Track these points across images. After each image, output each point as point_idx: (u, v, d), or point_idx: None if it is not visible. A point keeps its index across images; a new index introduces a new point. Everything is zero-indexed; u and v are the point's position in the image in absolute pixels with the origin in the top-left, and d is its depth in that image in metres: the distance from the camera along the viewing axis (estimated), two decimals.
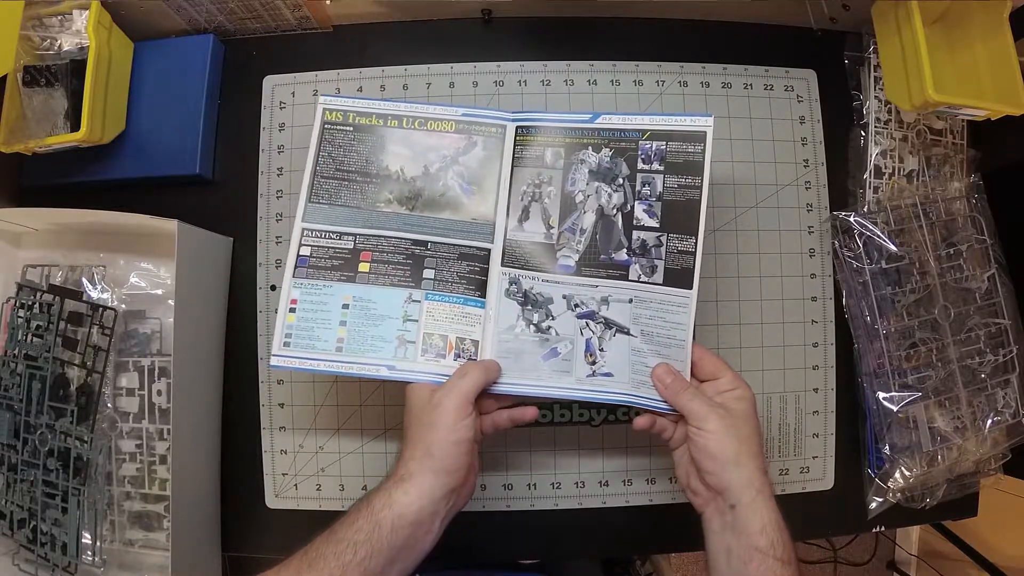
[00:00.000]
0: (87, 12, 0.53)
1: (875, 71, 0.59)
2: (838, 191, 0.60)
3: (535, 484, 0.58)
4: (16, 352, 0.55)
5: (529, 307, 0.48)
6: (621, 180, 0.48)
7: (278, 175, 0.60)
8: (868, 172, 0.59)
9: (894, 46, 0.54)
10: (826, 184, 0.60)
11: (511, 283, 0.48)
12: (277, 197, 0.59)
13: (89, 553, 0.54)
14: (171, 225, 0.51)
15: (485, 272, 0.48)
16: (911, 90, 0.52)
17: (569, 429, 0.58)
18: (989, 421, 0.57)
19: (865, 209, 0.58)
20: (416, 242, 0.48)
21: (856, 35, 0.61)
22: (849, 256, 0.58)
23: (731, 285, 0.59)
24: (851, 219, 0.57)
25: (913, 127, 0.60)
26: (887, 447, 0.56)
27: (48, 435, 0.53)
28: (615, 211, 0.48)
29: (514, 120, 0.50)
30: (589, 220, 0.48)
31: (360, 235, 0.48)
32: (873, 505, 0.58)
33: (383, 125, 0.50)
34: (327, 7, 0.59)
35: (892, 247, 0.56)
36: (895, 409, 0.55)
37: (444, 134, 0.50)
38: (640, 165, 0.48)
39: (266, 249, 0.59)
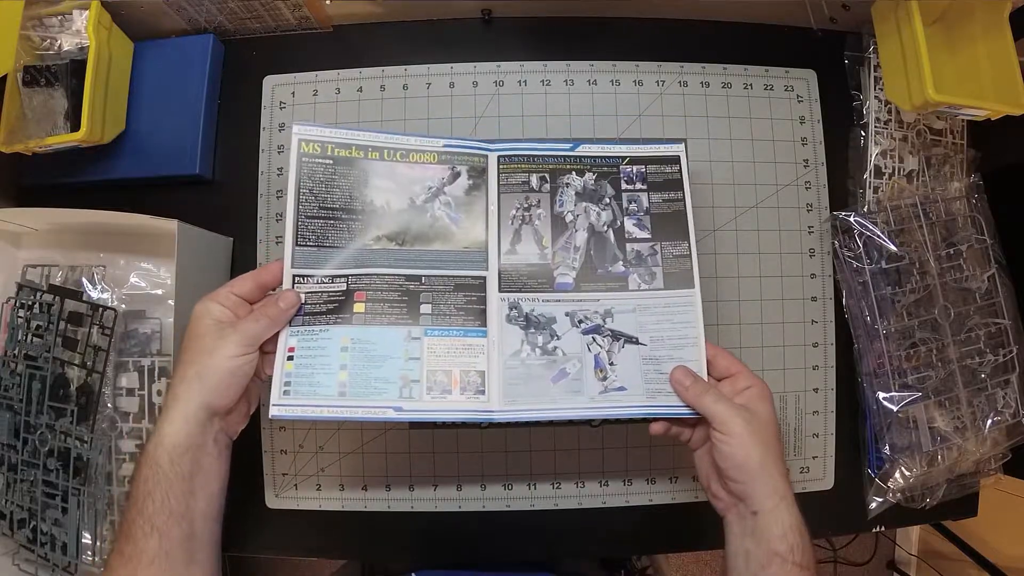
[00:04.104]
0: (87, 12, 0.53)
1: (875, 71, 0.59)
2: (838, 191, 0.60)
3: (535, 484, 0.58)
4: (16, 352, 0.55)
5: (532, 330, 0.47)
6: (608, 200, 0.50)
7: (278, 175, 0.60)
8: (868, 172, 0.59)
9: (894, 46, 0.54)
10: (826, 184, 0.60)
11: (511, 308, 0.47)
12: (277, 197, 0.59)
13: (89, 553, 0.54)
14: (171, 225, 0.51)
15: (483, 300, 0.47)
16: (911, 90, 0.52)
17: (569, 429, 0.58)
18: (989, 421, 0.57)
19: (865, 209, 0.58)
20: (410, 277, 0.47)
21: (856, 35, 0.61)
22: (849, 256, 0.58)
23: (731, 285, 0.59)
24: (851, 219, 0.57)
25: (913, 127, 0.60)
26: (887, 447, 0.56)
27: (48, 435, 0.53)
28: (606, 228, 0.49)
29: (496, 151, 0.50)
30: (582, 238, 0.49)
31: (352, 275, 0.46)
32: (873, 505, 0.58)
33: (364, 158, 0.48)
34: (327, 7, 0.59)
35: (892, 247, 0.56)
36: (895, 409, 0.55)
37: (427, 165, 0.49)
38: (624, 185, 0.50)
39: (266, 249, 0.59)
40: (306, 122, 0.49)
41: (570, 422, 0.57)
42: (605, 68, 0.61)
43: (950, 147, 0.61)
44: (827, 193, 0.60)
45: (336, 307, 0.46)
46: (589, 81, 0.60)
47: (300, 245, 0.46)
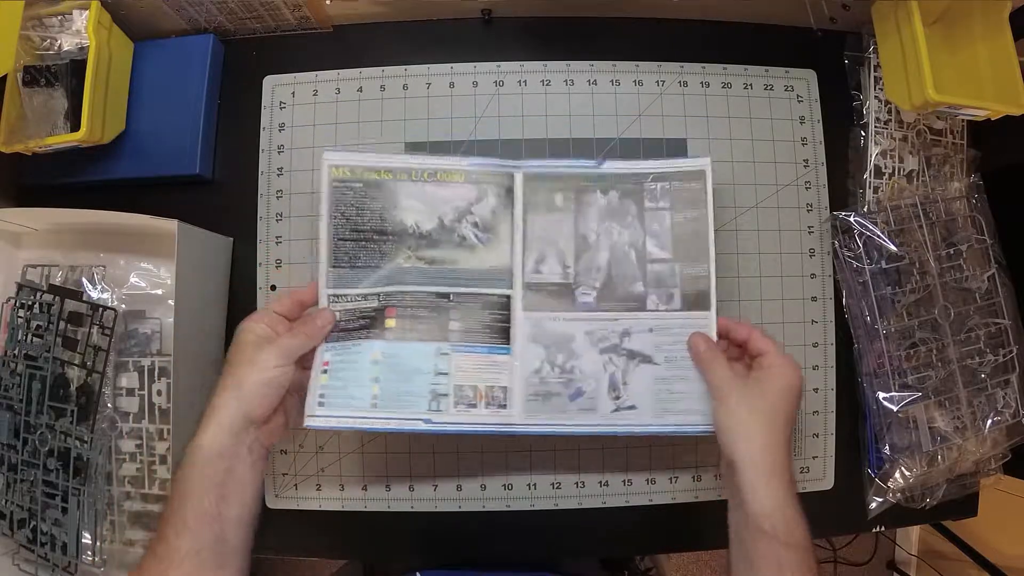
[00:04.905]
0: (87, 12, 0.53)
1: (875, 71, 0.59)
2: (838, 191, 0.60)
3: (535, 484, 0.58)
4: (16, 352, 0.55)
5: (553, 348, 0.49)
6: (630, 218, 0.50)
7: (278, 175, 0.60)
8: (868, 172, 0.59)
9: (894, 46, 0.54)
10: (826, 184, 0.60)
11: (534, 327, 0.49)
12: (277, 197, 0.59)
13: (89, 553, 0.54)
14: (171, 225, 0.51)
15: (507, 319, 0.49)
16: (911, 90, 0.52)
17: None
18: (989, 421, 0.57)
19: (865, 209, 0.58)
20: (439, 295, 0.49)
21: (856, 35, 0.61)
22: (849, 256, 0.58)
23: (731, 285, 0.59)
24: (851, 219, 0.57)
25: (913, 127, 0.60)
26: (887, 447, 0.56)
27: (48, 435, 0.53)
28: (627, 247, 0.50)
29: (523, 168, 0.51)
30: (603, 258, 0.50)
31: (384, 293, 0.49)
32: (873, 505, 0.58)
33: (393, 179, 0.50)
34: (327, 7, 0.59)
35: (892, 247, 0.56)
36: (895, 409, 0.55)
37: (455, 185, 0.50)
38: (647, 204, 0.50)
39: (266, 249, 0.59)
40: (335, 148, 0.51)
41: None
42: (605, 68, 0.60)
43: (950, 147, 0.61)
44: (827, 193, 0.60)
45: (368, 322, 0.48)
46: (589, 81, 0.60)
47: (334, 267, 0.48)
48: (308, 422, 0.46)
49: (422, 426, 0.47)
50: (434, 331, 0.48)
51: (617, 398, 0.49)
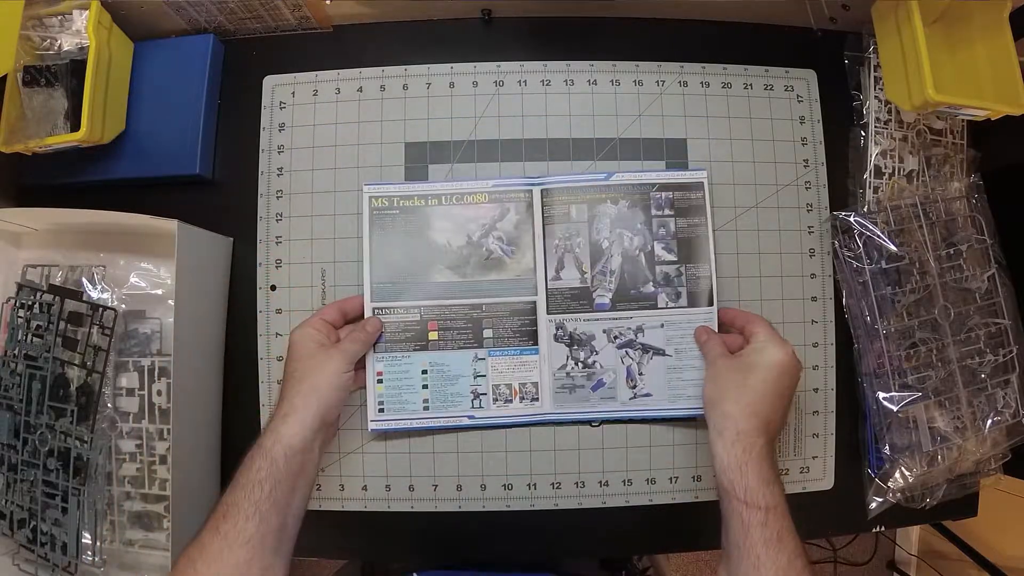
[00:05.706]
0: (87, 12, 0.53)
1: (875, 71, 0.59)
2: (838, 191, 0.60)
3: (535, 484, 0.58)
4: (16, 352, 0.55)
5: (576, 347, 0.55)
6: (639, 225, 0.56)
7: (278, 175, 0.60)
8: (868, 172, 0.59)
9: (894, 46, 0.54)
10: (826, 184, 0.60)
11: (557, 328, 0.55)
12: (277, 197, 0.59)
13: (89, 553, 0.54)
14: (171, 225, 0.51)
15: (534, 323, 0.55)
16: (911, 90, 0.52)
17: (569, 429, 0.58)
18: (989, 421, 0.57)
19: (865, 209, 0.58)
20: (472, 306, 0.55)
21: (856, 35, 0.61)
22: (849, 256, 0.58)
23: (731, 285, 0.59)
24: (851, 219, 0.57)
25: (913, 127, 0.60)
26: (887, 447, 0.56)
27: (48, 435, 0.53)
28: (638, 252, 0.55)
29: (539, 185, 0.56)
30: (616, 262, 0.55)
31: (424, 307, 0.55)
32: (873, 505, 0.58)
33: (425, 205, 0.56)
34: (327, 7, 0.59)
35: (892, 247, 0.56)
36: (895, 409, 0.55)
37: (480, 205, 0.56)
38: (654, 212, 0.56)
39: (266, 249, 0.59)
40: (374, 181, 0.57)
41: (569, 421, 0.57)
42: (605, 68, 0.60)
43: (950, 147, 0.61)
44: (827, 193, 0.60)
45: (413, 335, 0.55)
46: (589, 81, 0.60)
47: (377, 282, 0.55)
48: (372, 426, 0.54)
49: (466, 421, 0.55)
50: (470, 339, 0.55)
51: (634, 387, 0.55)
